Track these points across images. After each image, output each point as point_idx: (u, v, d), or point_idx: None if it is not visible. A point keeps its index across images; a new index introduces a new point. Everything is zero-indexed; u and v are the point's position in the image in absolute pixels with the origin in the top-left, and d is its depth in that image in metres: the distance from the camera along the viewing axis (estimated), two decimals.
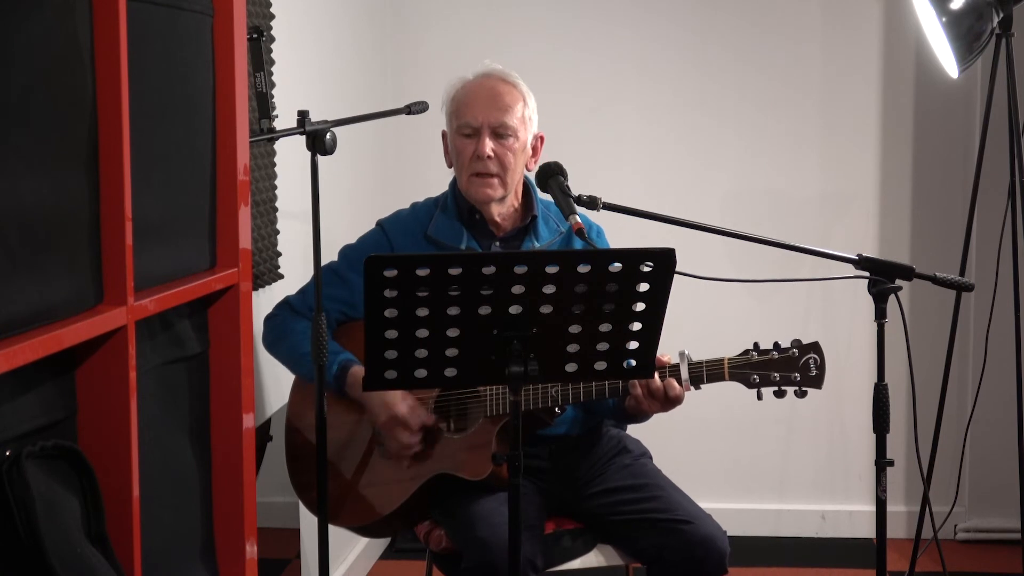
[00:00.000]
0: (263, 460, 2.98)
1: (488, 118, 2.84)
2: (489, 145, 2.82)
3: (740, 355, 2.64)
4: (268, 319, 2.95)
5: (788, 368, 2.61)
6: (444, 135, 2.95)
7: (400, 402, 2.74)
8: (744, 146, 4.38)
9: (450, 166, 2.94)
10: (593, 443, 2.93)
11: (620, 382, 2.66)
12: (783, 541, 4.41)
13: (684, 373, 2.63)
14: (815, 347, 2.62)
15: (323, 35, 3.74)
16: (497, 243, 2.91)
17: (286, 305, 2.94)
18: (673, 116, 4.39)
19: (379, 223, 2.98)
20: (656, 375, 2.63)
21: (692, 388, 2.65)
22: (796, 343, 2.63)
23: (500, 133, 2.84)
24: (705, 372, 2.64)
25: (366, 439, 2.85)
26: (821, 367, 2.61)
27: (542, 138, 2.94)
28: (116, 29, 1.70)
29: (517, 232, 2.92)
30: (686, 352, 2.66)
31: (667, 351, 2.50)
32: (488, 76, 2.91)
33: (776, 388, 2.62)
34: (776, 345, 2.63)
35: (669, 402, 2.65)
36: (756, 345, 2.64)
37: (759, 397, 2.63)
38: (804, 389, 2.61)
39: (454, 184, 2.94)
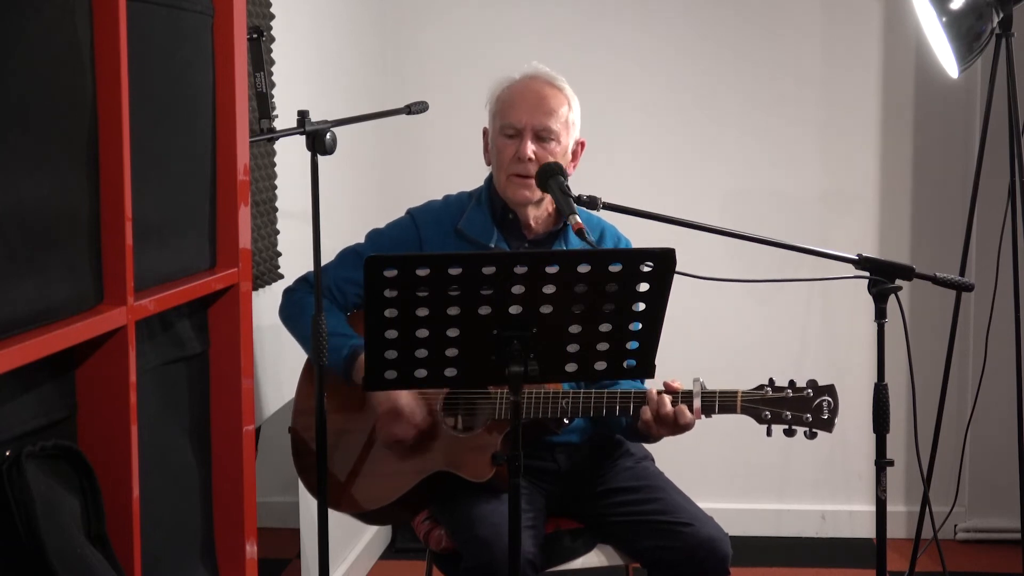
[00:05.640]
0: (258, 441, 2.97)
1: (532, 120, 2.82)
2: (531, 147, 2.81)
3: (754, 389, 2.64)
4: (287, 292, 2.96)
5: (801, 408, 2.61)
6: (485, 132, 2.94)
7: (404, 394, 2.74)
8: (744, 146, 4.38)
9: (489, 164, 2.93)
10: (597, 447, 2.93)
11: (630, 402, 2.66)
12: (783, 541, 4.41)
13: (697, 400, 2.62)
14: (830, 390, 2.62)
15: (323, 35, 3.74)
16: (526, 245, 2.89)
17: (305, 281, 2.94)
18: (673, 116, 4.39)
19: (409, 212, 2.97)
20: (668, 401, 2.63)
21: (703, 416, 2.64)
22: (812, 384, 2.62)
23: (543, 136, 2.82)
24: (718, 403, 2.63)
25: (370, 428, 2.85)
26: (834, 411, 2.60)
27: (583, 144, 2.92)
28: (116, 29, 1.70)
29: (548, 236, 2.91)
30: (700, 380, 2.65)
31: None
32: (534, 78, 2.90)
33: (787, 427, 2.62)
34: (792, 383, 2.63)
35: (679, 428, 2.64)
36: (771, 381, 2.64)
37: (768, 433, 2.63)
38: (815, 431, 2.61)
39: (490, 181, 2.93)
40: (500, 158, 2.85)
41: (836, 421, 2.61)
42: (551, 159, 2.80)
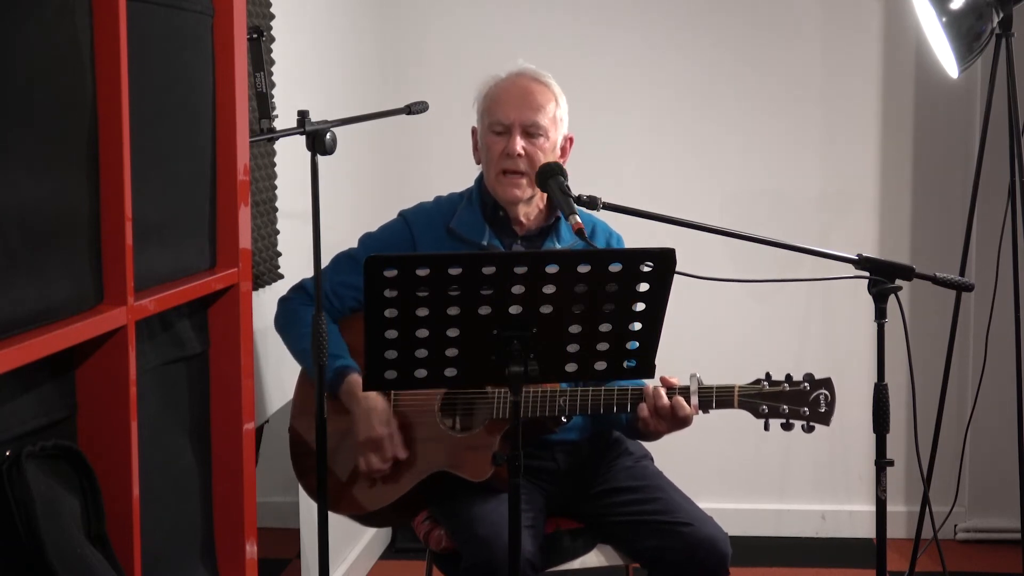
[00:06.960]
0: (260, 443, 2.98)
1: (520, 117, 2.83)
2: (520, 143, 2.82)
3: (751, 384, 2.64)
4: (282, 301, 2.96)
5: (798, 402, 2.61)
6: (474, 131, 2.95)
7: (381, 425, 2.74)
8: (744, 146, 4.38)
9: (478, 162, 2.94)
10: (596, 445, 2.93)
11: (628, 398, 2.66)
12: (783, 541, 4.41)
13: (694, 397, 2.62)
14: (827, 383, 2.61)
15: (323, 35, 3.74)
16: (519, 241, 2.90)
17: (301, 289, 2.94)
18: (673, 116, 4.39)
19: (401, 214, 2.98)
20: (665, 394, 2.63)
21: (700, 412, 2.64)
22: (808, 377, 2.62)
23: (531, 132, 2.83)
24: (715, 397, 2.64)
25: None
26: (831, 404, 2.60)
27: (571, 139, 2.93)
28: (116, 29, 1.70)
29: (540, 232, 2.92)
30: (697, 375, 2.65)
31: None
32: (521, 75, 2.91)
33: (784, 420, 2.61)
34: (788, 377, 2.63)
35: (677, 422, 2.64)
36: (768, 375, 2.64)
37: (766, 428, 2.62)
38: (812, 424, 2.61)
39: (480, 180, 2.93)
40: (489, 155, 2.86)
41: (834, 414, 2.61)
42: (540, 155, 2.82)
